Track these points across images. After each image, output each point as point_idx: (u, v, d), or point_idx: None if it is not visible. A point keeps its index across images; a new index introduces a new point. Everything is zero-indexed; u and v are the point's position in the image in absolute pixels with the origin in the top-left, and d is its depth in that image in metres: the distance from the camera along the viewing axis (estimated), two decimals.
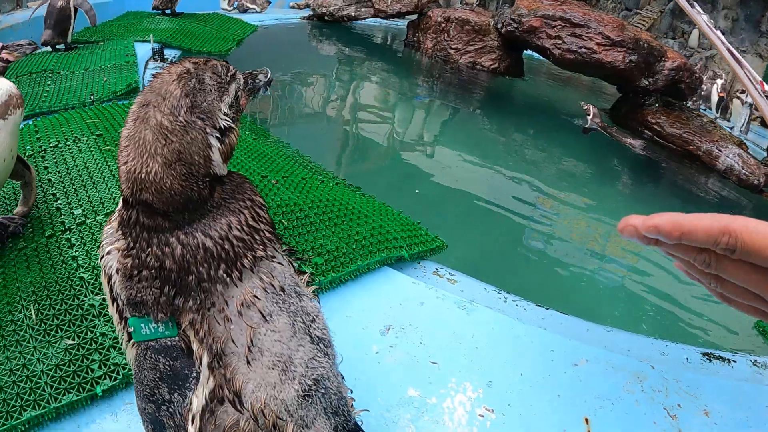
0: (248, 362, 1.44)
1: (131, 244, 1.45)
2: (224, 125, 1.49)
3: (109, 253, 1.48)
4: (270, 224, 1.60)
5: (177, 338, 1.46)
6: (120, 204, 1.54)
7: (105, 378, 2.19)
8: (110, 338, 2.33)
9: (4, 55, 2.81)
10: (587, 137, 7.36)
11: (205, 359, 1.44)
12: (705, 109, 8.93)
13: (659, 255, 4.85)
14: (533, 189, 5.85)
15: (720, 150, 6.51)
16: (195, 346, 1.45)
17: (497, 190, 5.69)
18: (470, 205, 5.29)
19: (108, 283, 1.50)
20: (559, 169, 6.58)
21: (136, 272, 1.43)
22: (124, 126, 1.46)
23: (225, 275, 1.45)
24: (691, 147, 6.72)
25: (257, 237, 1.54)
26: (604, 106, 8.08)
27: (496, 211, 5.23)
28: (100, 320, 2.42)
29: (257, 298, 1.48)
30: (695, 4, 6.57)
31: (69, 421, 2.12)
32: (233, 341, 1.44)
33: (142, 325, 1.44)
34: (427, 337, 2.65)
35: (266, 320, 1.48)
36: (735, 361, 2.87)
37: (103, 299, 2.50)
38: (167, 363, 1.45)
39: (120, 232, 1.49)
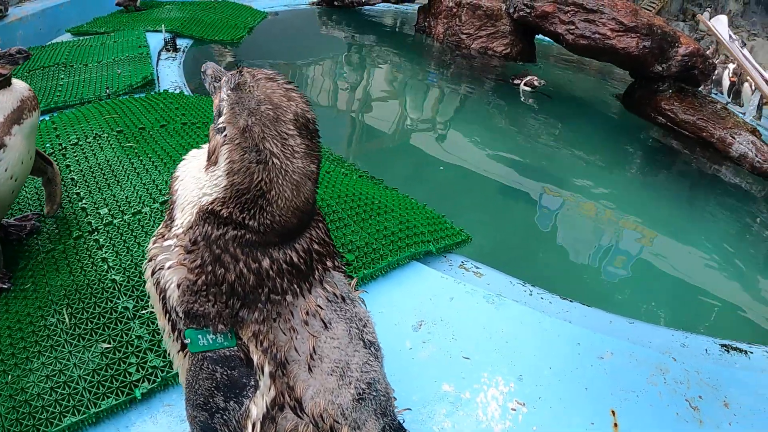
0: (309, 369, 1.47)
1: (205, 261, 1.44)
2: None
3: (169, 267, 1.47)
4: (330, 236, 1.64)
5: (236, 348, 1.48)
6: (185, 222, 1.50)
7: (143, 381, 2.20)
8: (146, 341, 2.32)
9: None
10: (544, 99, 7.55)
11: (267, 369, 1.46)
12: (716, 94, 8.87)
13: (676, 243, 4.87)
14: (547, 176, 5.83)
15: (733, 137, 6.46)
16: (256, 356, 1.47)
17: (512, 177, 5.68)
18: (486, 192, 5.28)
19: (160, 296, 1.51)
20: (573, 156, 6.56)
21: (205, 288, 1.44)
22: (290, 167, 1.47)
23: (296, 287, 1.48)
24: (704, 134, 6.67)
25: (329, 249, 1.59)
26: (616, 91, 8.03)
27: (512, 198, 5.24)
28: (135, 323, 2.41)
29: (320, 307, 1.51)
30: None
31: (108, 424, 2.13)
32: (296, 350, 1.47)
33: (200, 336, 1.46)
34: (458, 332, 2.67)
35: (326, 328, 1.51)
36: (752, 353, 2.91)
37: (137, 302, 2.51)
38: (225, 372, 1.47)
39: (182, 249, 1.48)
